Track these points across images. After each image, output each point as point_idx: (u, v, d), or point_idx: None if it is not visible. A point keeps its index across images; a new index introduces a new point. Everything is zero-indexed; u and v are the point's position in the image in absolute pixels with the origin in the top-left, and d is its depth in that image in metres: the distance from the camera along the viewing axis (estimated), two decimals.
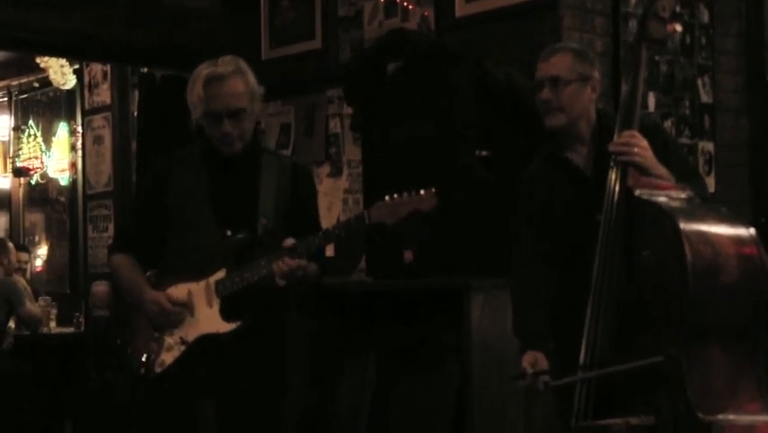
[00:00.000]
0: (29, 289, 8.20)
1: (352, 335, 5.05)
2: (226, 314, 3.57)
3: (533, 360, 3.33)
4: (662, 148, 3.33)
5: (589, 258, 3.19)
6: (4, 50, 8.59)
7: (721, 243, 3.07)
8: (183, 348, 3.62)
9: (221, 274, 3.58)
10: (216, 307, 3.58)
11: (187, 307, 3.62)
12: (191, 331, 3.61)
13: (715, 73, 5.71)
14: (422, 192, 3.42)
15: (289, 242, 3.48)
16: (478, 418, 4.43)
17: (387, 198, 3.43)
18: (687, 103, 5.57)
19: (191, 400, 3.67)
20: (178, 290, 3.63)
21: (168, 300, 3.62)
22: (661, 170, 3.23)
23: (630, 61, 3.34)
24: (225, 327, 3.56)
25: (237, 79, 3.60)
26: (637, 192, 3.17)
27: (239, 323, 3.55)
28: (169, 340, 3.64)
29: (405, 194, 3.43)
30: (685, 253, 2.98)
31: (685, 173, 3.36)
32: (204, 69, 3.63)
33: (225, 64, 3.63)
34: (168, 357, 3.63)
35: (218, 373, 3.61)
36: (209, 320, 3.59)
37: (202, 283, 3.60)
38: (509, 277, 3.60)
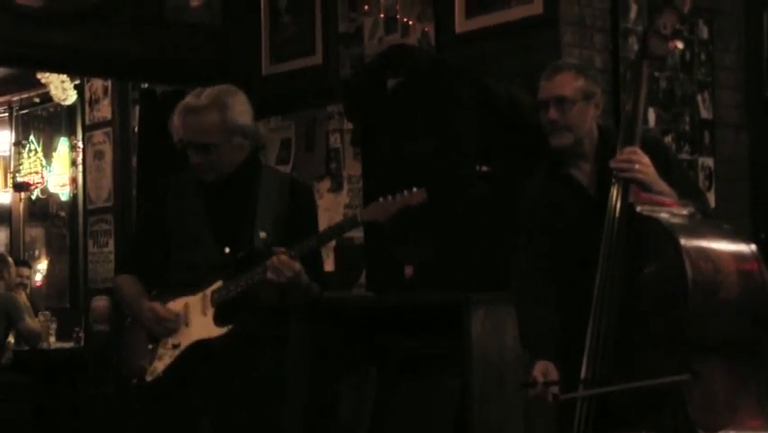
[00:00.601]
0: (28, 304, 8.19)
1: (352, 349, 5.05)
2: (219, 320, 3.60)
3: (544, 370, 3.32)
4: (664, 164, 3.34)
5: (591, 274, 3.19)
6: (4, 65, 8.60)
7: (722, 259, 3.07)
8: (175, 355, 3.64)
9: (218, 285, 3.61)
10: (210, 314, 3.61)
11: (182, 317, 3.65)
12: (184, 338, 3.64)
13: (714, 89, 5.72)
14: (414, 190, 3.46)
15: (282, 249, 3.50)
16: (478, 431, 4.42)
17: (380, 198, 3.50)
18: (687, 119, 5.58)
19: (184, 408, 3.68)
20: (176, 304, 3.68)
21: (163, 310, 3.66)
22: (662, 186, 3.24)
23: (632, 78, 3.35)
24: (216, 331, 3.59)
25: (211, 114, 3.62)
26: (638, 209, 3.18)
27: (230, 327, 3.57)
28: (161, 349, 3.68)
29: (397, 194, 3.49)
30: (686, 269, 2.99)
31: (687, 189, 3.37)
32: (185, 99, 3.68)
33: (205, 96, 3.65)
34: (159, 365, 3.67)
35: (211, 381, 3.63)
36: (202, 327, 3.62)
37: (199, 295, 3.64)
38: (512, 290, 3.61)
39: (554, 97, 3.40)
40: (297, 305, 3.79)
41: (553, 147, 3.46)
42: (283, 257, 3.45)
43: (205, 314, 3.61)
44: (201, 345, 3.61)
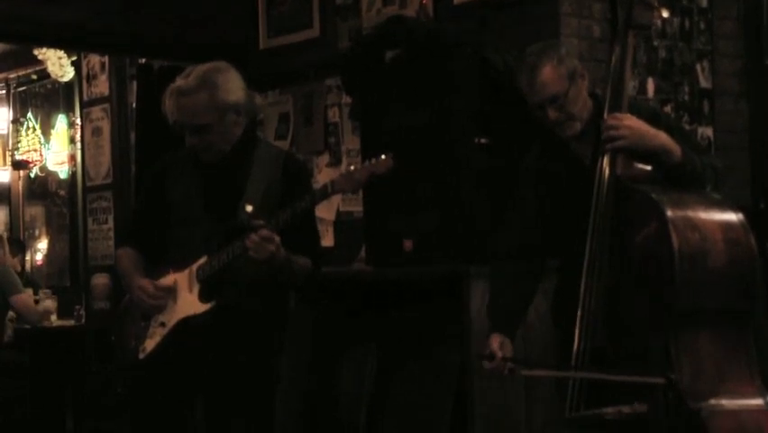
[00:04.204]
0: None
1: (352, 323, 5.05)
2: (204, 296, 3.63)
3: (500, 342, 3.39)
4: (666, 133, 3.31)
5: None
6: (1, 41, 8.57)
7: (708, 228, 3.08)
8: (164, 333, 3.68)
9: (202, 261, 3.64)
10: (196, 291, 3.65)
11: (171, 293, 3.69)
12: (172, 316, 3.68)
13: (714, 58, 5.70)
14: (381, 158, 3.49)
15: (261, 221, 3.51)
16: (479, 405, 4.43)
17: (352, 167, 3.58)
18: (686, 88, 5.57)
19: (179, 387, 3.70)
20: (167, 280, 3.72)
21: (152, 285, 3.68)
22: (655, 141, 3.19)
23: (617, 47, 3.32)
24: (201, 308, 3.62)
25: (200, 95, 3.62)
26: (626, 180, 3.17)
27: (213, 303, 3.60)
28: (152, 327, 3.73)
29: (365, 163, 3.54)
30: (672, 239, 3.00)
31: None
32: (175, 81, 3.69)
33: (193, 77, 3.65)
34: (150, 343, 3.71)
35: (202, 358, 3.66)
36: (188, 304, 3.66)
37: (186, 271, 3.68)
38: (492, 264, 3.62)
39: (548, 99, 3.33)
40: (294, 282, 3.79)
41: (566, 137, 3.41)
42: (262, 232, 3.45)
43: (191, 290, 3.65)
44: (188, 322, 3.64)
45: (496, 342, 3.39)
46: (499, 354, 3.35)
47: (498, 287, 3.57)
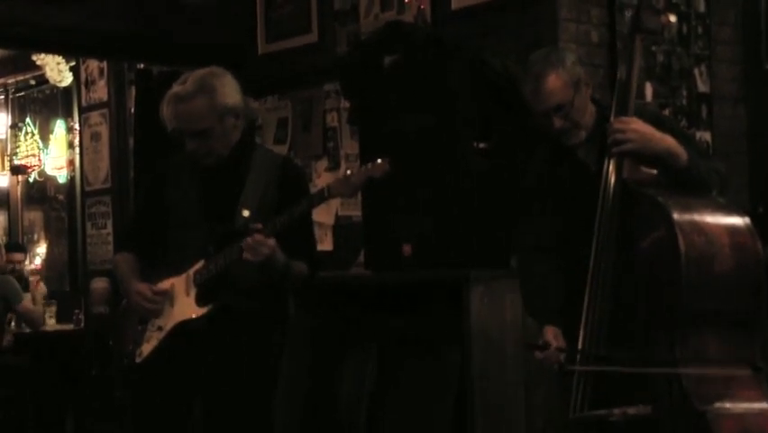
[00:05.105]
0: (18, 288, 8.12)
1: (352, 327, 5.05)
2: (201, 300, 3.64)
3: (556, 334, 3.32)
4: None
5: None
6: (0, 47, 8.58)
7: (714, 232, 3.09)
8: (161, 337, 3.70)
9: (199, 265, 3.65)
10: (193, 295, 3.66)
11: (168, 297, 3.70)
12: (169, 320, 3.70)
13: (712, 62, 5.70)
14: (378, 161, 3.49)
15: (258, 225, 3.52)
16: (479, 408, 4.43)
17: (348, 171, 3.57)
18: (684, 92, 5.57)
19: (177, 389, 3.71)
20: (164, 285, 3.73)
21: (149, 290, 3.69)
22: (661, 144, 3.19)
23: (625, 52, 3.33)
24: (198, 311, 3.63)
25: (199, 100, 3.63)
26: (632, 184, 3.18)
27: (210, 307, 3.61)
28: (149, 331, 3.74)
29: (362, 167, 3.55)
30: (678, 243, 3.01)
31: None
32: (172, 88, 3.69)
33: (191, 83, 3.66)
34: (147, 347, 3.73)
35: (200, 360, 3.67)
36: (185, 308, 3.67)
37: (183, 276, 3.69)
38: (517, 264, 3.59)
39: (553, 108, 3.32)
40: (290, 286, 3.80)
41: (570, 145, 3.42)
42: (257, 236, 3.47)
43: (188, 294, 3.67)
44: (184, 326, 3.65)
45: (551, 332, 3.33)
46: (554, 344, 3.29)
47: (531, 283, 3.51)
